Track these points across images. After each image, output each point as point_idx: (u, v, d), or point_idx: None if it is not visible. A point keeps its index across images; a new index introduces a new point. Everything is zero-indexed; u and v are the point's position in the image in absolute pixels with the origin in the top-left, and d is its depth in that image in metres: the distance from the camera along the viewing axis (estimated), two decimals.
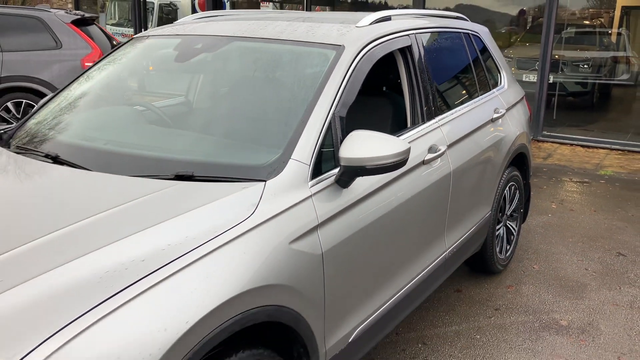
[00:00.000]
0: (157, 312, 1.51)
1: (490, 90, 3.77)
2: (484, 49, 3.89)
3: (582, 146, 7.73)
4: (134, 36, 3.11)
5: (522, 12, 9.44)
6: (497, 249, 3.83)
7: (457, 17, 3.85)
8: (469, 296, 3.66)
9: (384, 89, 3.80)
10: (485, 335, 3.23)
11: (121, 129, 2.62)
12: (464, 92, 3.56)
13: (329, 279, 2.09)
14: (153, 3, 13.04)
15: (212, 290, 1.63)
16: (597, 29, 9.08)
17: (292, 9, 12.48)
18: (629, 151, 7.47)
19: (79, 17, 7.49)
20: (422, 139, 2.79)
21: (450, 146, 2.98)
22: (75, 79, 2.96)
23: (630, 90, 9.07)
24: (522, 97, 4.23)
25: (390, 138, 2.16)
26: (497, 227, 3.80)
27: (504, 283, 3.84)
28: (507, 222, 3.99)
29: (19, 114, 7.01)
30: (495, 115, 3.59)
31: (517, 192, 4.01)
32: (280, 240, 1.89)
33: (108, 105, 2.87)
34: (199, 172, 2.04)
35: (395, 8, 9.59)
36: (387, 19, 2.85)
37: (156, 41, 3.01)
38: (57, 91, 2.94)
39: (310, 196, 2.06)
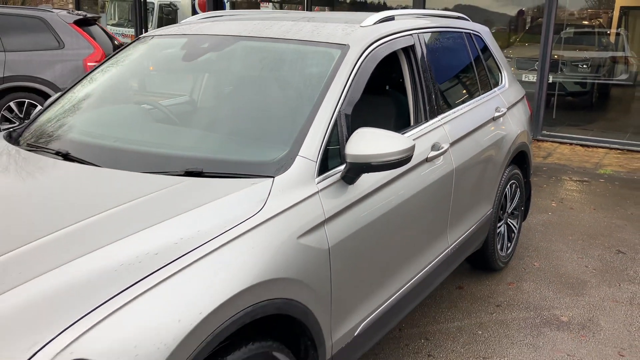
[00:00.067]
0: (171, 303, 1.55)
1: (491, 89, 3.81)
2: (485, 49, 3.94)
3: (582, 145, 7.76)
4: (142, 35, 3.14)
5: (521, 13, 9.47)
6: (499, 247, 3.87)
7: (458, 17, 3.90)
8: (471, 293, 3.71)
9: (387, 87, 3.84)
10: (487, 331, 3.27)
11: (132, 127, 2.66)
12: (466, 91, 3.60)
13: (336, 273, 2.13)
14: (153, 3, 13.06)
15: (223, 283, 1.67)
16: (596, 29, 9.12)
17: (291, 9, 12.50)
18: (628, 150, 7.51)
19: (81, 17, 7.53)
20: (425, 136, 2.83)
21: (452, 144, 3.02)
22: (83, 77, 2.99)
23: (629, 90, 9.11)
24: (523, 96, 4.28)
25: (395, 135, 2.20)
26: (499, 224, 3.84)
27: (505, 280, 3.89)
28: (508, 219, 4.03)
29: (21, 113, 7.04)
30: (497, 114, 3.63)
31: (518, 190, 4.05)
32: (288, 235, 1.93)
33: (118, 103, 2.90)
34: (208, 169, 2.08)
35: (395, 8, 9.63)
36: (391, 18, 2.90)
37: (163, 40, 3.05)
38: (65, 89, 2.97)
39: (317, 192, 2.10)
